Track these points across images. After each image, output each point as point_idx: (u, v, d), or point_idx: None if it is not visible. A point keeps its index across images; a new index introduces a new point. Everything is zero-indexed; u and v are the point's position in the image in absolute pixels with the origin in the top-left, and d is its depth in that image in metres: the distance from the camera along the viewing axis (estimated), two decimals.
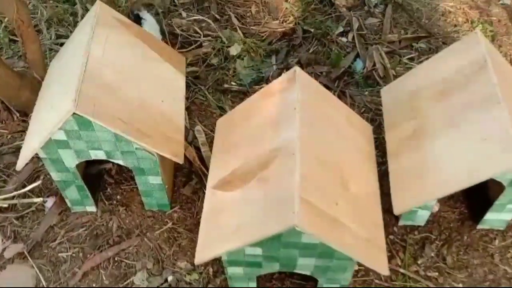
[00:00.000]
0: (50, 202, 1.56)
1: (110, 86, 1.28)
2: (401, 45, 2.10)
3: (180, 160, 1.34)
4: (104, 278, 1.42)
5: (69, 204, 1.52)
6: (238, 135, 1.30)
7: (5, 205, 1.54)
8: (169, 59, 1.56)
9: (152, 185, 1.43)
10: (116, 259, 1.46)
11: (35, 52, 1.64)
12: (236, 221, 1.09)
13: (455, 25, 2.19)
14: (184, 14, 2.26)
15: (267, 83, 1.94)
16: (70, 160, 1.33)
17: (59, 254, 1.47)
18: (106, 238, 1.50)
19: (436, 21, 2.22)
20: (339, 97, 1.87)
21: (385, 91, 1.54)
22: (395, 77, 1.95)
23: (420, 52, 2.07)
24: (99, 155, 1.31)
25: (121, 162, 1.34)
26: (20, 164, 1.30)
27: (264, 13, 2.27)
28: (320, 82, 1.86)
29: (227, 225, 1.11)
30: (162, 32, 2.07)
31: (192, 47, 2.10)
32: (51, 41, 2.00)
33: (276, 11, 2.28)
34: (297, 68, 1.24)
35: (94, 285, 1.40)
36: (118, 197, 1.59)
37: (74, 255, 1.47)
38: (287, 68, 1.96)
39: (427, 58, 2.01)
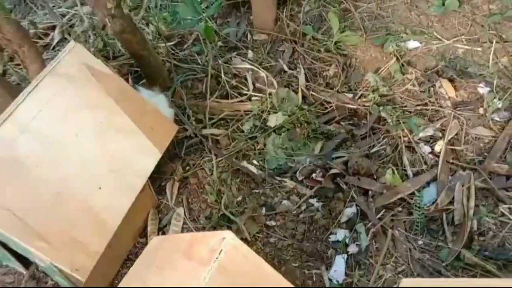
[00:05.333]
0: None
1: (19, 162, 0.99)
2: (508, 183, 1.41)
3: (82, 277, 1.01)
4: None
5: None
6: (152, 281, 0.91)
7: None
8: (149, 130, 1.22)
9: (61, 282, 1.13)
10: None
11: (37, 71, 1.44)
12: None
13: None
14: (250, 54, 1.88)
15: (292, 179, 1.48)
16: None
17: None
18: None
19: None
20: (374, 235, 1.31)
21: None
22: (476, 234, 1.30)
23: None
24: None
25: (20, 252, 1.06)
26: None
27: (342, 79, 1.77)
28: (357, 205, 1.34)
29: None
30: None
31: (235, 100, 1.72)
32: None
33: (358, 81, 1.76)
34: (229, 237, 0.79)
35: None
36: None
37: None
38: (325, 168, 1.46)
39: None
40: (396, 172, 1.38)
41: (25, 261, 1.29)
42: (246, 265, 0.79)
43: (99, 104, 1.15)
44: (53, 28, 1.98)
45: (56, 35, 1.94)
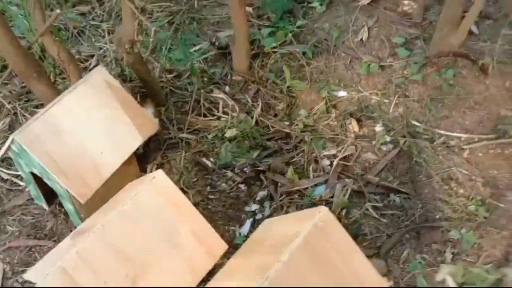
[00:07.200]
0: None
1: (60, 130, 1.73)
2: (377, 189, 2.06)
3: (82, 200, 1.72)
4: (15, 258, 1.89)
5: (32, 196, 2.04)
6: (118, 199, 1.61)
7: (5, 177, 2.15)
8: (138, 124, 1.95)
9: (68, 209, 1.84)
10: (32, 249, 1.91)
11: None
12: None
13: (450, 195, 2.03)
14: (227, 89, 2.62)
15: (232, 171, 2.17)
16: (25, 167, 1.83)
17: (7, 226, 1.99)
18: (37, 231, 1.97)
19: (437, 186, 2.08)
20: (274, 210, 1.98)
21: (265, 224, 1.61)
22: (344, 218, 1.95)
23: (389, 205, 2.01)
24: (36, 172, 1.78)
25: (49, 184, 1.78)
26: None
27: (286, 112, 2.48)
28: (268, 191, 2.02)
29: None
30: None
31: (208, 118, 2.45)
32: None
33: (296, 115, 2.46)
34: (160, 171, 1.49)
35: (7, 259, 1.88)
36: None
37: (14, 232, 1.97)
38: (254, 166, 2.15)
39: (392, 214, 1.98)
40: (293, 170, 2.06)
41: (49, 201, 2.02)
42: (170, 190, 1.48)
43: (110, 105, 1.89)
44: (91, 56, 2.80)
45: (93, 62, 2.75)
